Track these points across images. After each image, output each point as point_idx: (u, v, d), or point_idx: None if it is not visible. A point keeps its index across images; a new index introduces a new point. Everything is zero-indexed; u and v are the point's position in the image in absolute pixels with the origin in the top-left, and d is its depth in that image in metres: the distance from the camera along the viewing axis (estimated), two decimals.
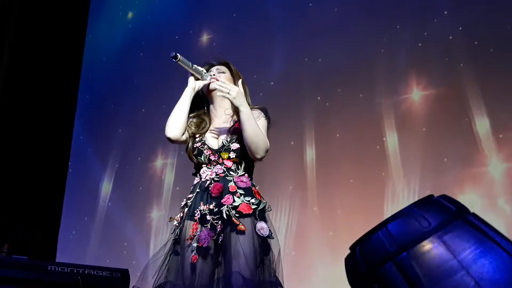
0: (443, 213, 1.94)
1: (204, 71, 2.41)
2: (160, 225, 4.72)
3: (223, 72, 2.46)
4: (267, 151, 2.29)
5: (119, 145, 5.27)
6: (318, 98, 4.48)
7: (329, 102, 4.42)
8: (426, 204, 2.04)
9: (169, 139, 2.35)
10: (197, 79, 2.41)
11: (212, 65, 2.50)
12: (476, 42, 4.01)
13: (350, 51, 4.44)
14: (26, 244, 4.66)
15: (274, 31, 4.86)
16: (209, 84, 2.40)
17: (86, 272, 3.41)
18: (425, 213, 1.92)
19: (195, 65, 2.39)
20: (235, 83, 2.42)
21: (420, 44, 4.20)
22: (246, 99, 2.37)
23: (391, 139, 4.11)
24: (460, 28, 4.10)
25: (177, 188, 4.78)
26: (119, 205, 5.02)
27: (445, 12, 4.17)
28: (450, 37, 4.11)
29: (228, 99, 2.29)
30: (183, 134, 2.36)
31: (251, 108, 2.37)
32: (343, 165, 4.22)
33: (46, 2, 5.55)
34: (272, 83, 4.67)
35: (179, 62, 2.31)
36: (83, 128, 5.54)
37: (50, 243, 4.93)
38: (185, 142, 2.39)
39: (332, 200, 4.18)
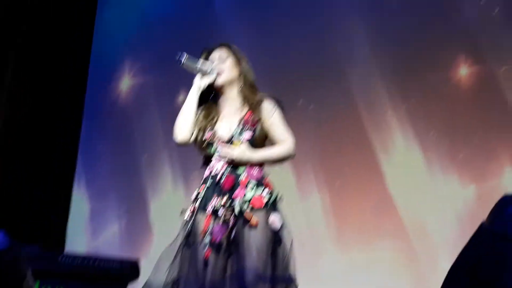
0: None
1: (211, 66, 2.35)
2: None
3: (227, 59, 2.38)
4: (294, 147, 2.33)
5: None
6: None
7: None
8: None
9: (178, 143, 2.34)
10: (203, 75, 2.36)
11: (212, 50, 2.44)
12: None
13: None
14: (37, 229, 4.64)
15: None
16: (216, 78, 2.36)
17: (97, 263, 3.42)
18: None
19: (202, 61, 2.34)
20: (240, 64, 2.39)
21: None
22: (248, 80, 2.36)
23: None
24: None
25: None
26: None
27: None
28: None
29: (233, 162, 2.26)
30: (191, 136, 2.34)
31: (262, 99, 2.36)
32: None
33: None
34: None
35: (185, 61, 2.27)
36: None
37: (59, 229, 4.90)
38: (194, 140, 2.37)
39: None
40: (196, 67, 2.31)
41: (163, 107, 4.72)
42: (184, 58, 2.27)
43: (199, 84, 2.35)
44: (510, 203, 1.69)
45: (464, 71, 3.81)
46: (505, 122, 3.64)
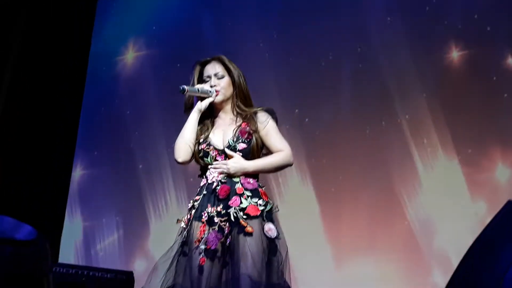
0: None
1: (209, 88, 2.40)
2: None
3: (222, 77, 2.42)
4: (291, 156, 2.37)
5: None
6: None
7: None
8: None
9: (179, 163, 2.39)
10: (203, 98, 2.41)
11: (206, 63, 2.47)
12: None
13: None
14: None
15: None
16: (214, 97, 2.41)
17: (91, 273, 3.41)
18: None
19: (200, 86, 2.40)
20: (235, 81, 2.41)
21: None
22: (242, 94, 2.40)
23: None
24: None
25: None
26: None
27: None
28: None
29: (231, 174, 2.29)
30: (193, 156, 2.38)
31: (256, 110, 2.40)
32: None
33: None
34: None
35: (187, 93, 2.36)
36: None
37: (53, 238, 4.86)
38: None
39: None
40: (197, 91, 2.38)
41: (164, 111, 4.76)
42: (186, 90, 2.34)
43: (199, 106, 2.40)
44: None
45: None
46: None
